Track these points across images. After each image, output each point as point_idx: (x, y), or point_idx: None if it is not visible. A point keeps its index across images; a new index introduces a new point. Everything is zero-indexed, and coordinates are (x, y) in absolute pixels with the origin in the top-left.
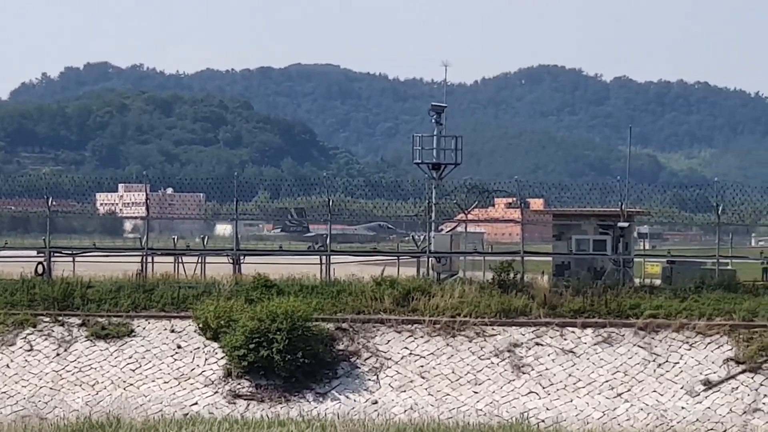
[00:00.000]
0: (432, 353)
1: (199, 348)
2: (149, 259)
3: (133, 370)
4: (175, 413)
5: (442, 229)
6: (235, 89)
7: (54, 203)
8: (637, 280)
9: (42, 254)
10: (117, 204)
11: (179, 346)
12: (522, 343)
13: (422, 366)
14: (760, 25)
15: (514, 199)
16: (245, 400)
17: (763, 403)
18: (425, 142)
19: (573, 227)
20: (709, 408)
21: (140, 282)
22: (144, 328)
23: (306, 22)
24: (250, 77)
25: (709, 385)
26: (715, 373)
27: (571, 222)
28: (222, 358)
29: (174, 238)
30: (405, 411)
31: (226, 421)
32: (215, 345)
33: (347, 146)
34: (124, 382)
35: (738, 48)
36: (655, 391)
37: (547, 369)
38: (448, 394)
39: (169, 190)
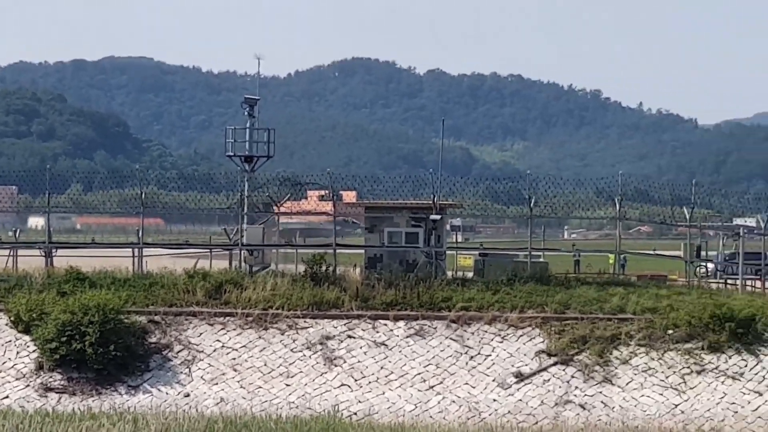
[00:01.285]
0: (244, 346)
1: (10, 341)
2: None
3: None
4: None
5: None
6: (48, 82)
7: None
8: (449, 273)
9: None
10: None
11: None
12: (334, 336)
13: (234, 359)
14: (570, 18)
15: (327, 191)
16: (57, 393)
17: (575, 395)
18: (238, 135)
19: (385, 220)
20: (520, 400)
21: None
22: None
23: (119, 14)
24: (64, 70)
25: (521, 377)
26: (527, 365)
27: (384, 215)
28: (34, 351)
29: None
30: (217, 404)
31: (37, 414)
32: (27, 338)
33: (161, 139)
34: None
35: (551, 41)
36: (467, 384)
37: (359, 362)
38: (260, 387)
39: None
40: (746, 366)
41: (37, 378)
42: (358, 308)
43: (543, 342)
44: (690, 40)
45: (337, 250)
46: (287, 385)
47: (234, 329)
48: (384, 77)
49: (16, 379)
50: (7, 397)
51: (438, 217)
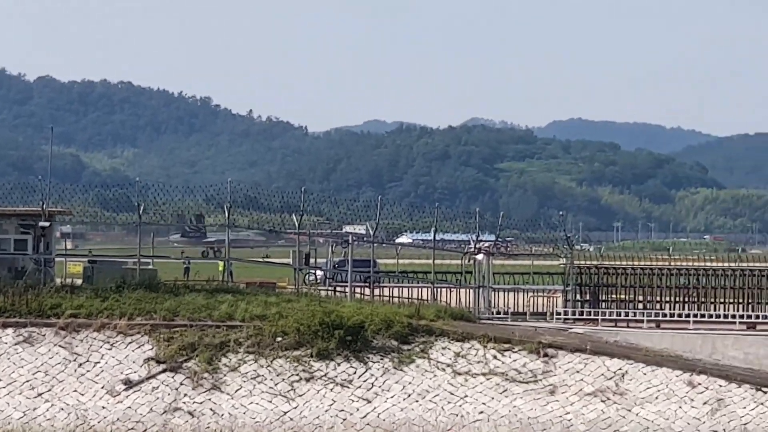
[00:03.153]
0: None
1: None
2: None
3: None
4: None
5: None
6: None
7: None
8: (58, 280)
9: None
10: None
11: None
12: None
13: None
14: (174, 24)
15: None
16: None
17: (184, 402)
18: None
19: None
20: (129, 407)
21: None
22: None
23: None
24: None
25: (129, 384)
26: (135, 372)
27: None
28: None
29: None
30: None
31: None
32: None
33: None
34: None
35: (158, 47)
36: (75, 391)
37: None
38: None
39: None
40: (355, 373)
41: None
42: None
43: (152, 349)
44: (300, 50)
45: None
46: None
47: None
48: None
49: None
50: None
51: (47, 224)
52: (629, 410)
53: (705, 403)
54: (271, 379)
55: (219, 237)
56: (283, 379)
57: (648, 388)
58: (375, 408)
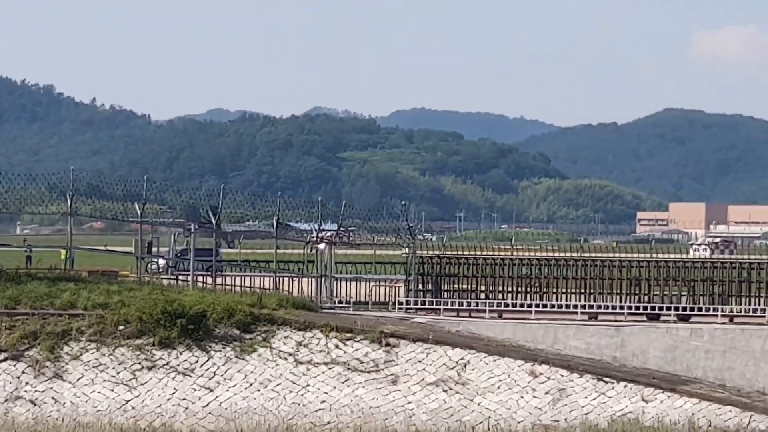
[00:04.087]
0: None
1: None
2: None
3: None
4: None
5: None
6: None
7: None
8: None
9: None
10: None
11: None
12: None
13: None
14: (22, 12)
15: None
16: None
17: (25, 391)
18: None
19: None
20: None
21: None
22: None
23: None
24: None
25: None
26: None
27: None
28: None
29: None
30: None
31: None
32: None
33: None
34: None
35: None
36: None
37: None
38: None
39: None
40: (197, 362)
41: None
42: None
43: None
44: (144, 37)
45: None
46: None
47: None
48: None
49: None
50: None
51: None
52: (471, 400)
53: (547, 393)
54: (113, 368)
55: (234, 228)
56: (125, 368)
57: (490, 377)
58: (217, 397)
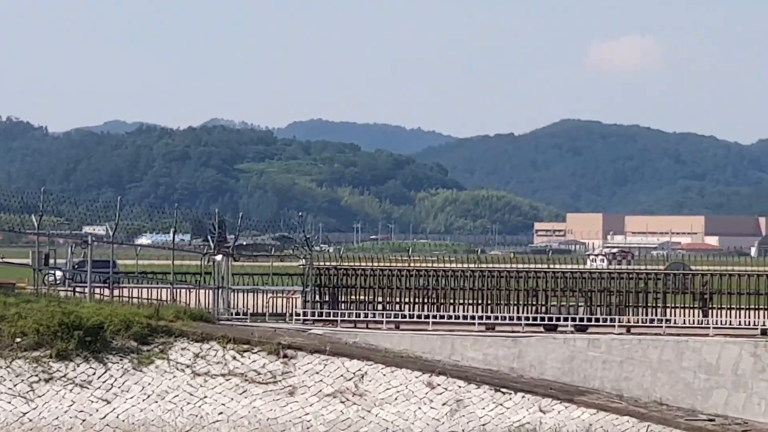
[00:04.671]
0: None
1: None
2: None
3: None
4: None
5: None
6: None
7: None
8: None
9: None
10: None
11: None
12: None
13: None
14: None
15: None
16: None
17: None
18: None
19: None
20: None
21: None
22: None
23: None
24: None
25: None
26: None
27: None
28: None
29: None
30: None
31: None
32: None
33: None
34: None
35: None
36: None
37: None
38: None
39: None
40: (94, 374)
41: None
42: None
43: None
44: (40, 47)
45: None
46: None
47: None
48: None
49: None
50: None
51: None
52: (369, 411)
53: (444, 404)
54: (10, 380)
55: (240, 241)
56: (23, 380)
57: (387, 389)
58: (114, 409)
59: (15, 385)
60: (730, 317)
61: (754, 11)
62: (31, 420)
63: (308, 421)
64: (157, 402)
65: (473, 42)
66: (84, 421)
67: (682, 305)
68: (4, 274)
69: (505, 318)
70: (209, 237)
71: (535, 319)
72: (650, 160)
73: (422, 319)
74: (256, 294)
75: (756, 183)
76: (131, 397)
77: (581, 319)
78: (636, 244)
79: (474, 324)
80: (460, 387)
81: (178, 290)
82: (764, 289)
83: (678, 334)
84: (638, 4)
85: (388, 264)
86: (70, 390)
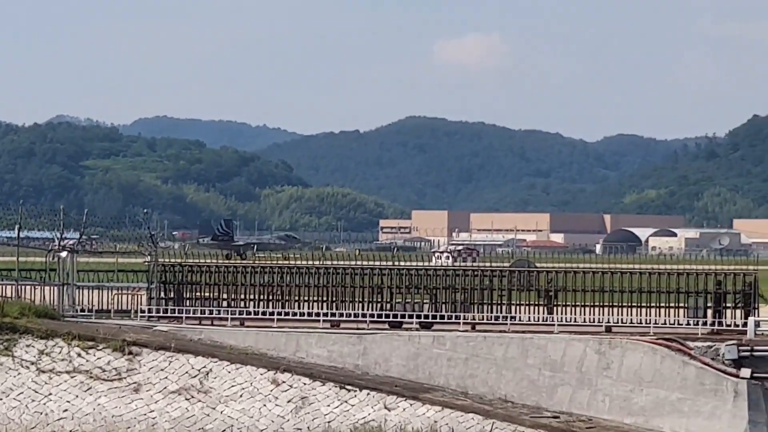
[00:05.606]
0: None
1: None
2: None
3: None
4: None
5: None
6: None
7: None
8: None
9: None
10: None
11: None
12: None
13: None
14: None
15: None
16: None
17: None
18: None
19: None
20: None
21: None
22: None
23: None
24: None
25: None
26: None
27: None
28: None
29: None
30: None
31: None
32: None
33: None
34: None
35: None
36: None
37: None
38: None
39: None
40: None
41: None
42: None
43: None
44: None
45: None
46: None
47: None
48: None
49: None
50: None
51: None
52: (214, 408)
53: (289, 401)
54: None
55: (247, 240)
56: None
57: (232, 386)
58: None
59: None
60: (575, 314)
61: (599, 10)
62: None
63: (153, 418)
64: (1, 399)
65: (319, 38)
66: None
67: (527, 302)
68: None
69: (350, 315)
70: (55, 232)
71: (380, 316)
72: (496, 157)
73: (267, 316)
74: (101, 290)
75: (601, 180)
76: None
77: (426, 317)
78: (481, 242)
79: (319, 321)
80: (305, 384)
81: (23, 287)
82: (609, 287)
83: (523, 332)
84: (483, 1)
85: (233, 261)
86: None
